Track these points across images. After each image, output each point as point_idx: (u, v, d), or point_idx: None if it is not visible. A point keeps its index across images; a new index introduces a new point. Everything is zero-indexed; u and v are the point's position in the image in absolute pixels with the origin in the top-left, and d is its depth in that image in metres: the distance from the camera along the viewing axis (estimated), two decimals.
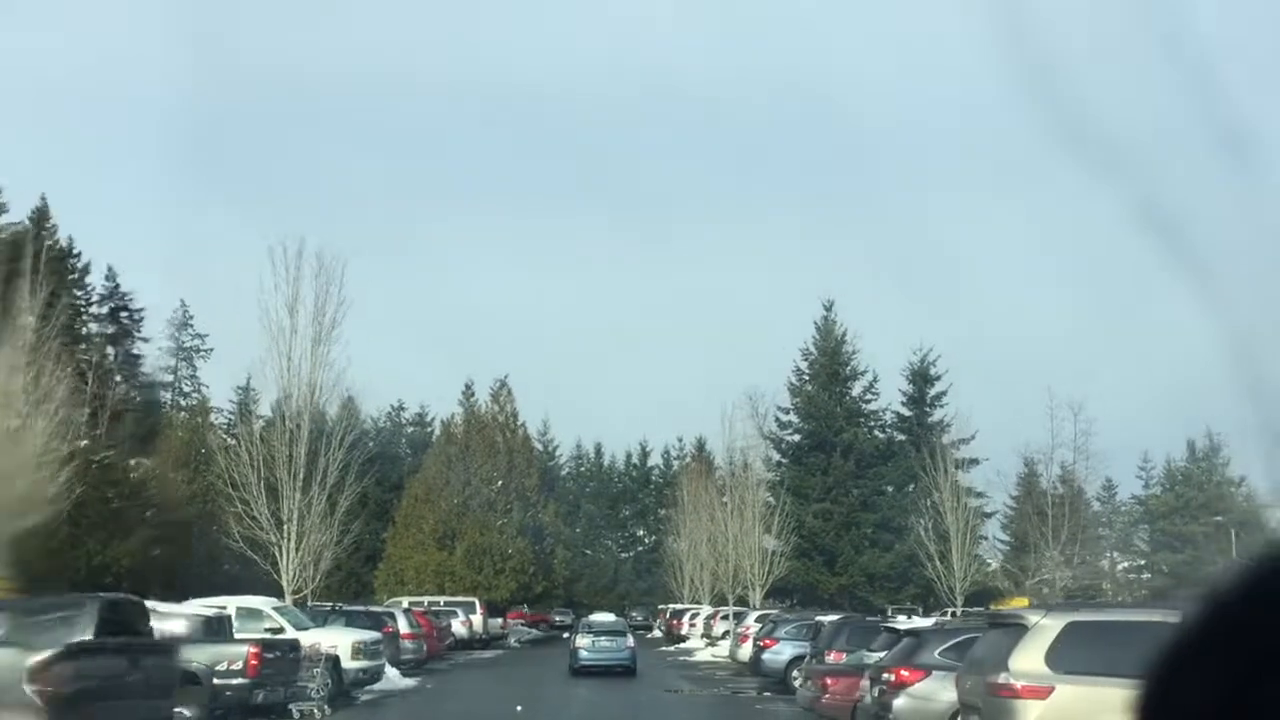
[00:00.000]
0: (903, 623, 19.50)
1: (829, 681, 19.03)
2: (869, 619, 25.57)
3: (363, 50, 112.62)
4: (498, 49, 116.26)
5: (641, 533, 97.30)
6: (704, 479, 63.84)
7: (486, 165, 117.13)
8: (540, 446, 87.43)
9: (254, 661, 17.98)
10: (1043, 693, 10.18)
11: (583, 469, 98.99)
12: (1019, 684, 10.33)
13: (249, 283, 33.12)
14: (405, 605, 42.54)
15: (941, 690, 13.49)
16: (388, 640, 32.09)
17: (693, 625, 54.45)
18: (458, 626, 46.99)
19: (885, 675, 14.37)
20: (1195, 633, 1.09)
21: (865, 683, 16.57)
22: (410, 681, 30.92)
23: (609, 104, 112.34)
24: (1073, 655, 10.29)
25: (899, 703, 13.82)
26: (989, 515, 60.65)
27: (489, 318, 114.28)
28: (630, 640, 34.97)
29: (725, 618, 48.59)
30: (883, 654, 16.36)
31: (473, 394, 71.31)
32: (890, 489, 63.58)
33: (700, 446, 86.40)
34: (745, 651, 34.12)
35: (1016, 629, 10.97)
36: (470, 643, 48.73)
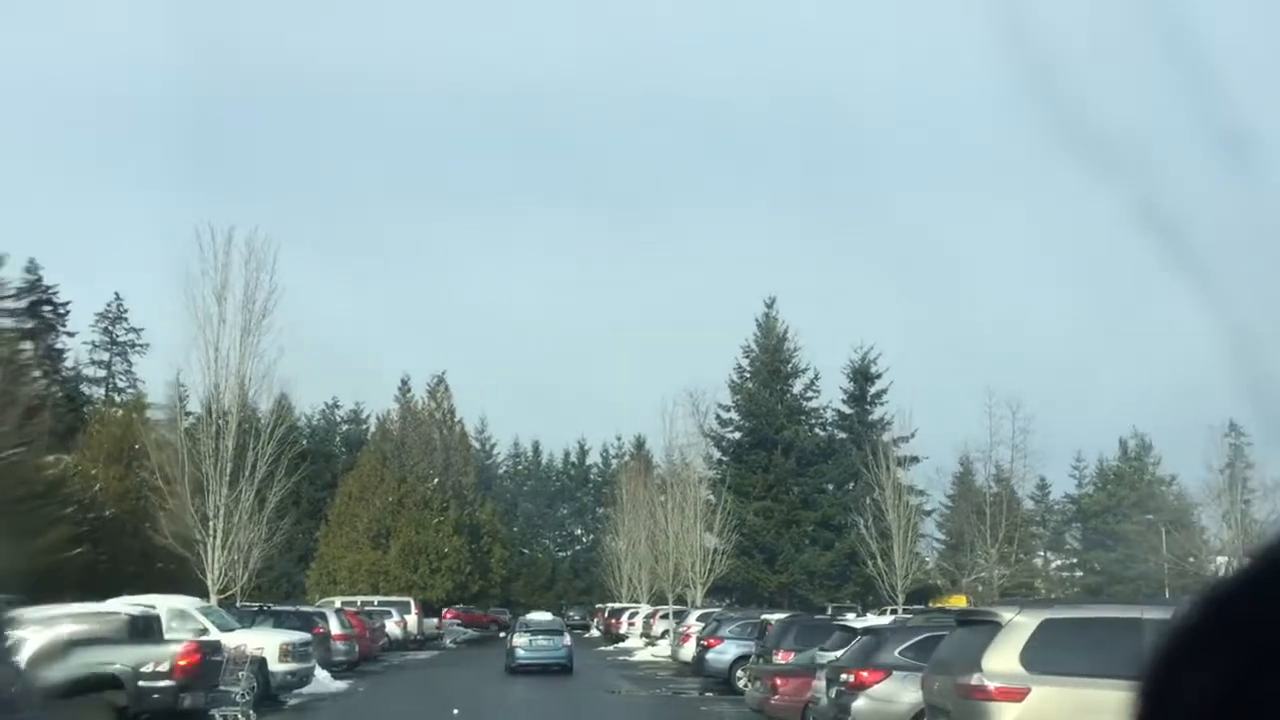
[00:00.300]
0: (858, 621, 18.87)
1: (779, 682, 18.38)
2: (818, 617, 24.98)
3: (333, 48, 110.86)
4: (495, 49, 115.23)
5: (579, 531, 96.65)
6: (643, 477, 63.41)
7: (433, 160, 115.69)
8: (478, 445, 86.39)
9: (182, 663, 16.92)
10: (1018, 694, 9.58)
11: (520, 467, 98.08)
12: (993, 685, 9.72)
13: (180, 271, 31.78)
14: (338, 605, 41.45)
15: (903, 691, 12.87)
16: (318, 641, 31.09)
17: (631, 624, 53.77)
18: (392, 627, 45.88)
19: (844, 676, 13.69)
20: (1194, 628, 1.06)
21: (820, 683, 15.93)
22: (341, 684, 29.88)
23: (601, 103, 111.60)
24: (1049, 654, 9.70)
25: (858, 704, 13.16)
26: (928, 513, 60.77)
27: (429, 315, 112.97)
28: (567, 639, 35.01)
29: (665, 616, 48.01)
30: (838, 653, 15.73)
31: (409, 390, 70.07)
32: (830, 487, 63.39)
33: (639, 445, 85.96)
34: (688, 651, 33.47)
35: (988, 627, 10.34)
36: (405, 643, 47.64)
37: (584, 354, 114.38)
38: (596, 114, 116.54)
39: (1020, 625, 9.97)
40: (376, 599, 51.52)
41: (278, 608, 34.59)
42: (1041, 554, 79.86)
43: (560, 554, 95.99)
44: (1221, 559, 71.51)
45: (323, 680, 28.70)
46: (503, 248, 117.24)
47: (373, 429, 75.13)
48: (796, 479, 62.26)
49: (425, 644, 51.73)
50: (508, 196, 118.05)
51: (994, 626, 10.20)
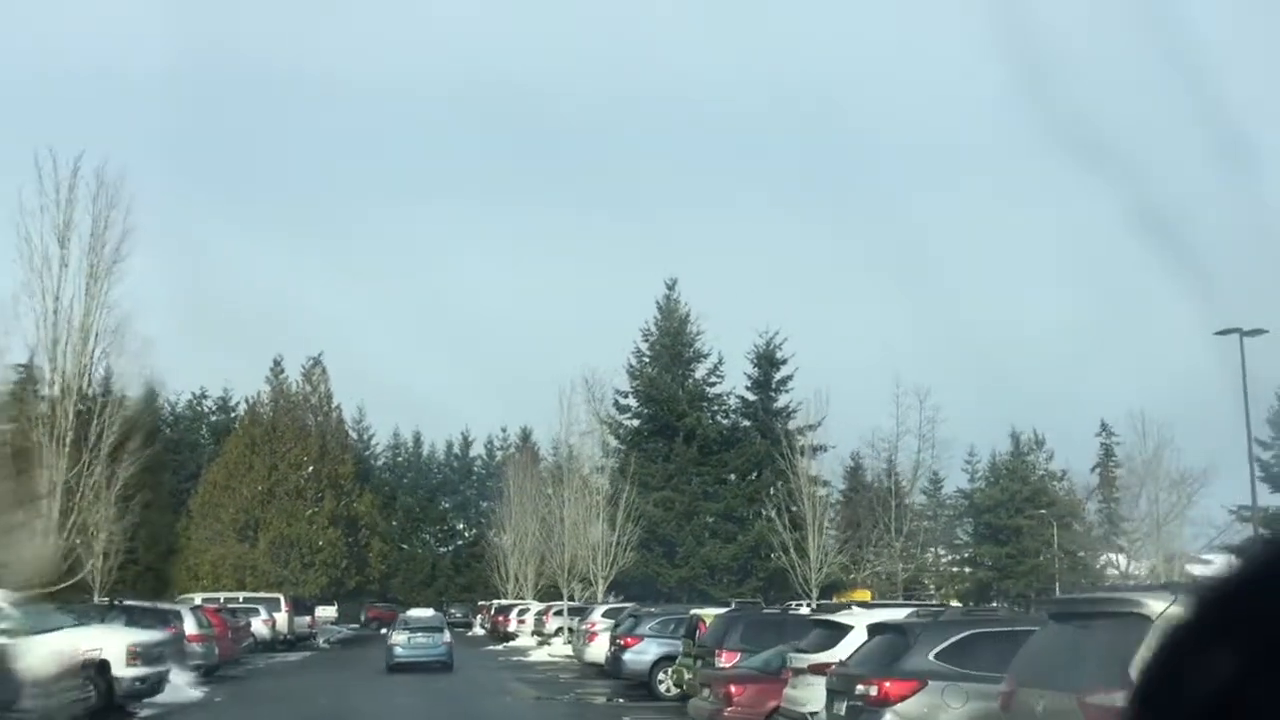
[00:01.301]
0: (848, 615, 15.77)
1: (733, 689, 15.29)
2: (766, 611, 21.91)
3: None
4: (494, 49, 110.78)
5: (462, 526, 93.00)
6: (530, 469, 60.62)
7: (304, 149, 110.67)
8: (355, 435, 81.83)
9: None
10: None
11: (400, 459, 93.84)
12: None
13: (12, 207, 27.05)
14: (196, 602, 37.33)
15: (943, 708, 9.89)
16: (173, 642, 27.18)
17: (522, 622, 50.88)
18: (259, 626, 41.69)
19: (860, 687, 10.60)
20: (1194, 624, 1.04)
21: (798, 691, 12.92)
22: (198, 692, 25.93)
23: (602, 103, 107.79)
24: None
25: None
26: (832, 504, 58.59)
27: (302, 301, 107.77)
28: (447, 636, 33.63)
29: (559, 613, 45.25)
30: (824, 655, 12.68)
31: (282, 371, 65.00)
32: (733, 477, 60.60)
33: (526, 436, 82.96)
34: (596, 651, 30.29)
35: (1126, 621, 7.25)
36: (273, 644, 43.49)
37: (469, 343, 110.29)
38: (598, 114, 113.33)
39: None
40: (242, 595, 47.12)
41: (131, 603, 30.23)
42: (932, 549, 78.87)
43: (441, 549, 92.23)
44: (1108, 555, 72.00)
45: (179, 687, 24.81)
46: (398, 235, 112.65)
47: (242, 412, 70.09)
48: (698, 469, 59.32)
49: (296, 644, 47.63)
50: (413, 185, 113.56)
51: (1137, 621, 7.16)
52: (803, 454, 50.02)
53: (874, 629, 11.82)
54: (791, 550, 41.67)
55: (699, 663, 19.12)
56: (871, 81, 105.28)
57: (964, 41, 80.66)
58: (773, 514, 45.69)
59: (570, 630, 41.70)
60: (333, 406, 66.80)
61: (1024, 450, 79.23)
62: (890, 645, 10.95)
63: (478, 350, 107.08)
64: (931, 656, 10.30)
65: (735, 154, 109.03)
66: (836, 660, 12.34)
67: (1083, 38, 70.73)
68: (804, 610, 21.96)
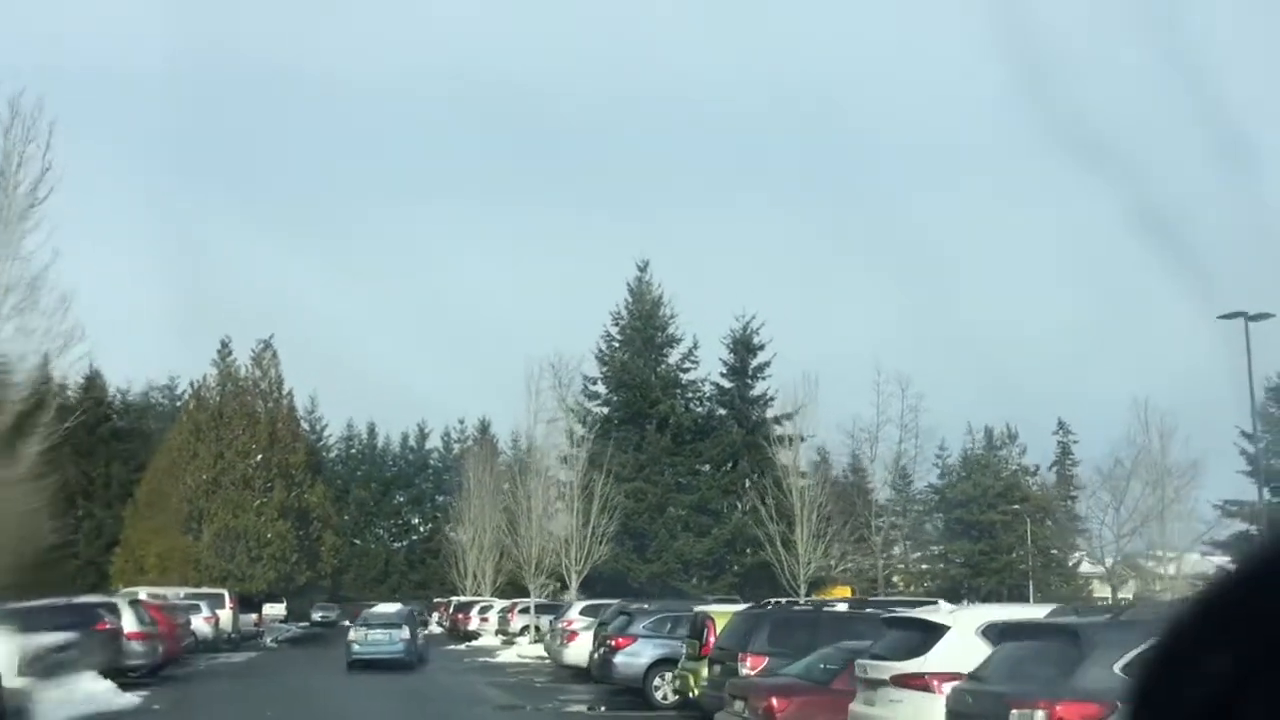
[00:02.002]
0: (933, 611, 12.92)
1: (776, 702, 12.52)
2: (798, 607, 19.11)
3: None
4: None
5: (416, 521, 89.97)
6: (489, 462, 58.05)
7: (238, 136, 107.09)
8: (307, 425, 78.46)
9: None
10: None
11: (353, 451, 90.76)
12: None
13: None
14: (141, 596, 34.12)
15: None
16: (103, 641, 24.13)
17: (484, 620, 48.06)
18: (200, 624, 38.38)
19: (1017, 711, 7.78)
20: (1194, 623, 1.03)
21: (885, 710, 10.17)
22: (131, 698, 22.68)
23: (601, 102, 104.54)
24: None
25: None
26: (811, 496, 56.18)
27: (253, 288, 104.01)
28: (406, 633, 32.19)
29: (525, 611, 42.57)
30: (911, 662, 9.89)
31: (230, 353, 61.26)
32: (707, 467, 57.71)
33: (484, 428, 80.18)
34: (575, 652, 27.46)
35: None
36: (216, 643, 40.17)
37: (425, 335, 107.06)
38: (597, 114, 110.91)
39: None
40: (183, 591, 43.70)
41: (38, 601, 26.69)
42: (901, 545, 77.02)
43: (395, 544, 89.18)
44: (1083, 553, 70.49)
45: (101, 695, 21.64)
46: (393, 234, 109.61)
47: (188, 396, 66.48)
48: (671, 458, 56.39)
49: (241, 644, 44.31)
50: (412, 184, 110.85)
51: None
52: (789, 444, 47.71)
53: (1009, 631, 9.02)
54: (778, 543, 39.02)
55: (717, 668, 16.29)
56: (871, 81, 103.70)
57: (964, 41, 79.20)
58: (758, 505, 42.96)
59: (538, 629, 39.12)
60: (283, 392, 63.25)
61: (996, 444, 77.73)
62: (1047, 654, 8.18)
63: (442, 343, 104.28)
64: (1117, 669, 7.55)
65: (735, 154, 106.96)
66: (935, 670, 9.64)
67: (1083, 38, 69.35)
68: (840, 607, 19.19)
